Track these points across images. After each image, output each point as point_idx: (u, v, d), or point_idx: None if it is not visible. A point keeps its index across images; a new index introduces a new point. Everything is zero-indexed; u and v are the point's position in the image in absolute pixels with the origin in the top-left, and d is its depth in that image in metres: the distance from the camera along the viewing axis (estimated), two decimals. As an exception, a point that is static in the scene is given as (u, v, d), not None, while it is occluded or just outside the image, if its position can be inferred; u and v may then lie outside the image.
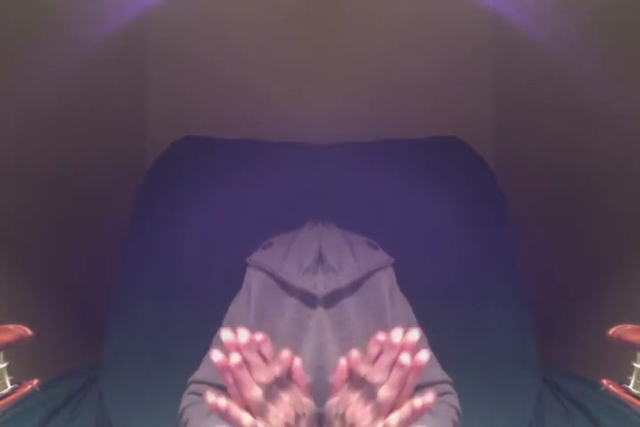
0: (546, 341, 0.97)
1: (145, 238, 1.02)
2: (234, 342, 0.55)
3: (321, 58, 1.31)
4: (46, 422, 0.80)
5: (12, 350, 0.72)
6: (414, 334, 0.54)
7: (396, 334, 0.55)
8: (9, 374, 0.71)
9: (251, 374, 0.55)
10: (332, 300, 0.77)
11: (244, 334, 0.55)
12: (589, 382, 0.89)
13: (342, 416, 0.57)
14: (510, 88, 1.32)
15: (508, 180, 1.11)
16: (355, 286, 0.80)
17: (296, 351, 0.67)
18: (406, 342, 0.54)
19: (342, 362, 0.58)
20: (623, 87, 0.96)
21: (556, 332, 1.14)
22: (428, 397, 0.53)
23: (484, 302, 0.97)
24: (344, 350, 0.65)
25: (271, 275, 0.82)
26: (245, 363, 0.55)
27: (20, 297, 1.02)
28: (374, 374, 0.55)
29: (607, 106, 1.02)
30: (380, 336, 0.56)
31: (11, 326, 0.73)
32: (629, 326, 0.74)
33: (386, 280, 0.83)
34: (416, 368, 0.54)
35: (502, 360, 0.91)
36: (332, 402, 0.59)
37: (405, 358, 0.54)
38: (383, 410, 0.55)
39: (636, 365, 0.71)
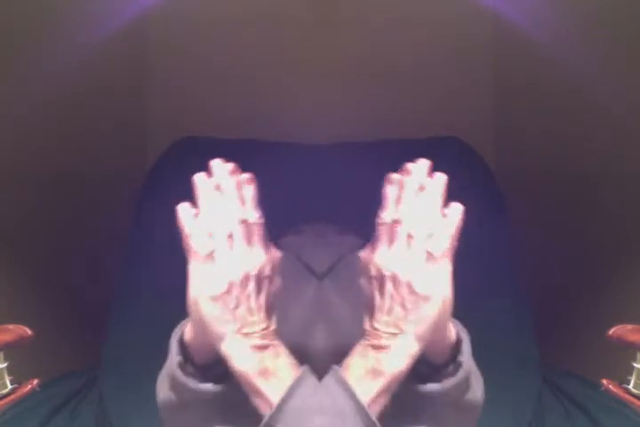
0: (546, 341, 0.97)
1: (145, 238, 1.02)
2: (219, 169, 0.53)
3: (321, 58, 1.31)
4: (46, 422, 0.80)
5: (11, 350, 0.72)
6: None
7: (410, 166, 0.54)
8: (9, 374, 0.71)
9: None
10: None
11: (229, 165, 0.54)
12: (589, 382, 0.89)
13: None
14: (510, 88, 1.32)
15: (507, 180, 1.11)
16: (329, 270, 0.78)
17: (309, 332, 0.66)
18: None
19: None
20: (623, 87, 0.96)
21: (556, 332, 1.14)
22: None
23: (484, 302, 0.97)
24: (329, 334, 0.65)
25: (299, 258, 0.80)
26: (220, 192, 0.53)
27: (20, 297, 1.02)
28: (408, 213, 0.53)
29: (607, 106, 1.02)
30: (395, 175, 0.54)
31: (11, 326, 0.73)
32: (629, 326, 0.74)
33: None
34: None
35: (502, 360, 0.91)
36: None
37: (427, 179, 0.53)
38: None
39: (635, 365, 0.71)
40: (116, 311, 0.97)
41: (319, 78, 1.31)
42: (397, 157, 1.13)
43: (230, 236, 0.52)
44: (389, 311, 0.51)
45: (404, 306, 0.51)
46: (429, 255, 0.51)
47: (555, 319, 1.15)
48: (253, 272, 0.52)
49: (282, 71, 1.31)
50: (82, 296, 1.16)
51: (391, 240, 0.53)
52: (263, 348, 0.51)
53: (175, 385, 0.55)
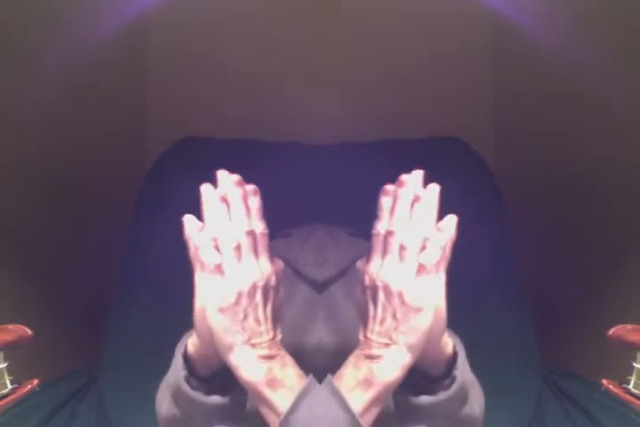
0: (546, 341, 0.97)
1: (145, 238, 1.02)
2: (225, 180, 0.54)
3: (321, 59, 1.31)
4: (46, 422, 0.80)
5: (11, 350, 0.72)
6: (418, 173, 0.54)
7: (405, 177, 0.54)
8: (9, 375, 0.71)
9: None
10: (322, 288, 0.76)
11: (235, 176, 0.55)
12: (589, 382, 0.89)
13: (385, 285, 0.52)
14: (510, 88, 1.32)
15: (507, 180, 1.11)
16: (340, 274, 0.78)
17: (303, 338, 0.66)
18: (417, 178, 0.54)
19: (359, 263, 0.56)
20: (623, 87, 0.96)
21: (556, 332, 1.14)
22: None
23: (484, 302, 0.97)
24: (337, 338, 0.65)
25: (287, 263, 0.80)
26: (227, 205, 0.54)
27: (20, 297, 1.02)
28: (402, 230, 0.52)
29: (607, 106, 1.02)
30: (389, 186, 0.54)
31: (11, 326, 0.73)
32: (629, 326, 0.74)
33: None
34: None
35: (502, 360, 0.91)
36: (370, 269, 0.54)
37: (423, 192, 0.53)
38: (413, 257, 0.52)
39: (636, 365, 0.71)
40: (115, 311, 0.97)
41: (319, 78, 1.31)
42: (397, 157, 1.14)
43: (237, 247, 0.53)
44: (381, 322, 0.52)
45: (395, 317, 0.51)
46: (421, 267, 0.51)
47: (555, 319, 1.15)
48: (261, 283, 0.53)
49: (282, 71, 1.31)
50: (82, 296, 1.16)
51: (384, 251, 0.53)
52: (271, 358, 0.51)
53: (181, 399, 0.55)
